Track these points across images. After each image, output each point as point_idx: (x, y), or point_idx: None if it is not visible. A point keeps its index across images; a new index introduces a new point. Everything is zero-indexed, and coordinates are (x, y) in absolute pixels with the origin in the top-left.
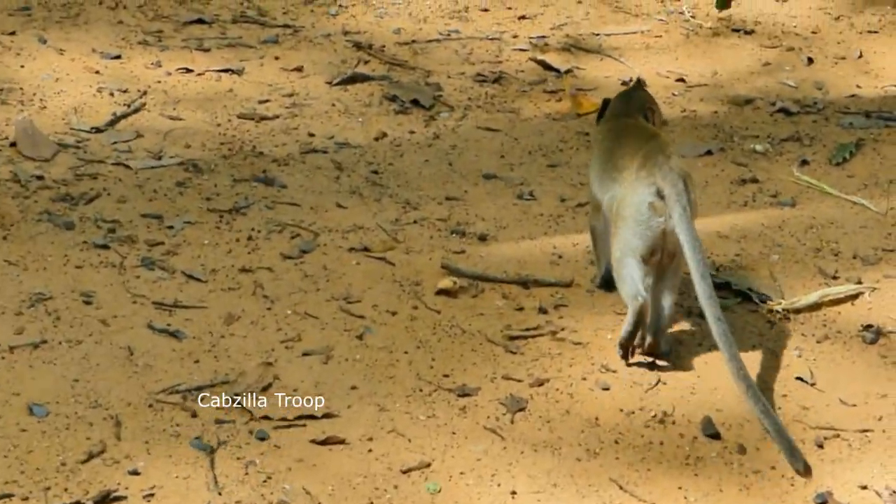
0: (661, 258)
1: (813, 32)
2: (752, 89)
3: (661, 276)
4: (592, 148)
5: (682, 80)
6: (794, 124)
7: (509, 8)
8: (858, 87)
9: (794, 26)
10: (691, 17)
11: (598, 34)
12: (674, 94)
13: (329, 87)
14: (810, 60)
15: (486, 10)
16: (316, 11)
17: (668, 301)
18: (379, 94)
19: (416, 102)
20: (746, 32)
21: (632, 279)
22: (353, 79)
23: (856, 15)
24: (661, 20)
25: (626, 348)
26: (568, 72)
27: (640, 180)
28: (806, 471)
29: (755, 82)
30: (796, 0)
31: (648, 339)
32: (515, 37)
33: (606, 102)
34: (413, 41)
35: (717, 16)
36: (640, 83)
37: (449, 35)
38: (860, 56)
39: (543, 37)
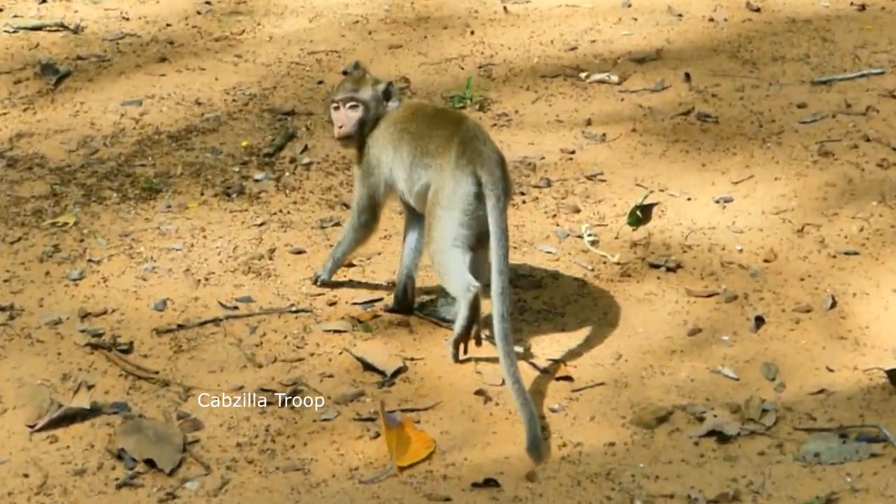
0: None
1: (765, 261)
2: (671, 389)
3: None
4: (378, 132)
5: (568, 378)
6: (729, 463)
7: (333, 245)
8: (830, 369)
9: (740, 250)
10: (592, 243)
11: None
12: (553, 410)
13: (30, 433)
14: (759, 321)
15: (300, 251)
16: (52, 275)
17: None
18: (102, 447)
19: (151, 464)
20: (669, 269)
21: (460, 271)
22: (70, 417)
23: (827, 221)
24: (550, 252)
25: (460, 344)
26: (398, 373)
27: (461, 169)
28: (537, 458)
29: (676, 373)
30: (743, 198)
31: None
32: (333, 303)
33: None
34: (179, 326)
35: (631, 238)
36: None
37: (235, 308)
38: (832, 305)
39: (373, 301)
